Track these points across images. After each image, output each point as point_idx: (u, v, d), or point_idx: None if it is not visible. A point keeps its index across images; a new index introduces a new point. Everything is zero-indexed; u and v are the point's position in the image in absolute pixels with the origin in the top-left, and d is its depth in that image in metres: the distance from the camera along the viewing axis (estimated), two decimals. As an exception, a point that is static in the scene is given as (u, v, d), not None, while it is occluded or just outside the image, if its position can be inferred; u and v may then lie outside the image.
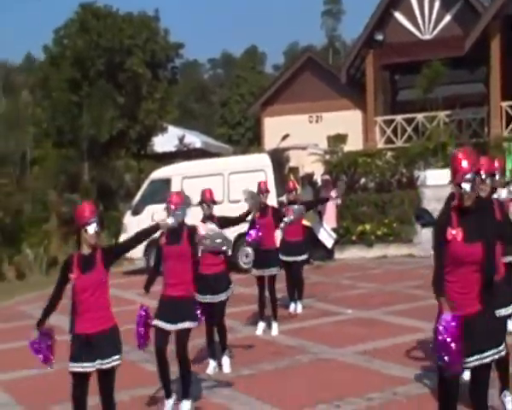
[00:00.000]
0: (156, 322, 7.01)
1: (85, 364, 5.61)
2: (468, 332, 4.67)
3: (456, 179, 4.76)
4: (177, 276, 7.03)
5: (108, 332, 5.68)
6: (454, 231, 4.73)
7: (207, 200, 8.71)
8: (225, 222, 8.69)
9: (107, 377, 5.68)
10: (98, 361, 5.59)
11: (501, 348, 4.79)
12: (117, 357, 5.66)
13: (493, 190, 6.63)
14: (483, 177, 6.76)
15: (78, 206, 6.03)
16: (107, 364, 5.60)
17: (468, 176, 4.71)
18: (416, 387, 7.50)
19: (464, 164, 4.75)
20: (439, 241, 4.86)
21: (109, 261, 5.79)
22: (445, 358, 4.60)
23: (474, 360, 4.73)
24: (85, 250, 5.74)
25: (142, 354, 9.22)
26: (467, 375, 5.82)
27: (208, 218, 8.62)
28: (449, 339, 4.58)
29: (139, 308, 6.95)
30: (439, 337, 4.62)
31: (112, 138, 26.71)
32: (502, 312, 5.85)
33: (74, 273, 5.68)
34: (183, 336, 7.01)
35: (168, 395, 7.09)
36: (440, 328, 4.63)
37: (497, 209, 6.63)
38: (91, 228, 5.67)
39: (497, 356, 4.77)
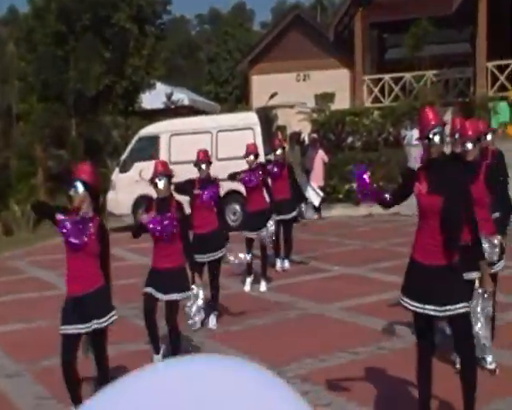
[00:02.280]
0: (146, 289, 7.06)
1: (80, 325, 5.63)
2: (426, 281, 4.89)
3: (424, 132, 4.92)
4: (166, 248, 7.02)
5: (99, 292, 5.70)
6: (420, 185, 4.96)
7: (201, 160, 8.74)
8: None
9: (99, 336, 5.73)
10: (95, 321, 5.61)
11: (458, 305, 4.85)
12: (114, 313, 5.73)
13: (482, 152, 6.70)
14: (456, 137, 6.90)
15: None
16: (103, 323, 5.65)
17: (436, 129, 4.87)
18: (401, 341, 7.65)
19: (432, 117, 4.94)
20: (401, 186, 5.31)
21: (101, 240, 5.71)
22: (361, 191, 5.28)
23: (429, 310, 4.90)
24: (83, 213, 5.68)
25: (131, 309, 9.39)
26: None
27: (206, 181, 8.68)
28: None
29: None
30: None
31: (99, 94, 26.52)
32: (472, 275, 5.90)
33: (65, 230, 5.65)
34: (173, 306, 7.05)
35: (157, 352, 7.20)
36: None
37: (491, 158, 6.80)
38: (73, 190, 5.64)
39: (454, 313, 4.87)
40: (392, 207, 5.37)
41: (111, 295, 5.87)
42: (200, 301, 7.16)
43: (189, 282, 7.13)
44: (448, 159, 5.26)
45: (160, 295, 7.00)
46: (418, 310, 4.96)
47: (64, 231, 5.59)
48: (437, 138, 4.87)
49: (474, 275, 6.09)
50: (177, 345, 7.20)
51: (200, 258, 8.41)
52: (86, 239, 5.57)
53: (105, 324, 5.67)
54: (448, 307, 4.86)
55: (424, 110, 5.08)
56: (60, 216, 5.63)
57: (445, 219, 4.83)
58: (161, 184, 7.02)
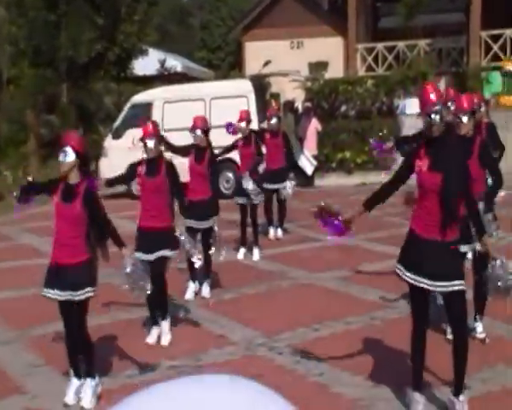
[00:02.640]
0: (137, 254, 7.04)
1: (57, 292, 5.62)
2: (423, 255, 4.93)
3: (425, 110, 4.92)
4: (154, 208, 7.01)
5: (83, 264, 5.64)
6: (421, 162, 4.96)
7: (197, 127, 8.67)
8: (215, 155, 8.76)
9: (77, 308, 5.66)
10: (69, 292, 5.58)
11: (455, 283, 4.89)
12: (90, 289, 5.62)
13: (476, 126, 6.69)
14: (449, 105, 6.88)
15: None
16: (79, 296, 5.58)
17: (437, 107, 4.87)
18: (393, 312, 7.71)
19: (432, 95, 4.92)
20: (402, 168, 5.26)
21: (88, 204, 5.64)
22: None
23: (422, 283, 4.94)
24: (72, 180, 5.67)
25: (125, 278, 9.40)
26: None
27: (201, 148, 8.64)
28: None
29: None
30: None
31: (90, 60, 26.31)
32: (465, 248, 5.98)
33: (55, 198, 5.68)
34: (160, 264, 7.02)
35: (155, 323, 7.22)
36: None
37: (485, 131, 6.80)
38: (61, 157, 5.63)
39: (448, 290, 4.90)
40: (397, 189, 5.36)
41: (95, 269, 5.77)
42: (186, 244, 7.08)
43: (178, 241, 7.11)
44: (448, 136, 5.23)
45: (148, 256, 6.98)
46: (412, 281, 4.99)
47: (55, 199, 5.63)
48: (437, 117, 4.87)
49: (466, 248, 6.16)
50: (165, 306, 7.21)
51: (191, 224, 8.42)
52: (73, 206, 5.57)
53: (78, 297, 5.58)
54: (444, 284, 4.89)
55: (425, 87, 5.06)
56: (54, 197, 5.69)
57: (446, 198, 4.86)
58: (151, 143, 7.01)
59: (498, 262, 5.14)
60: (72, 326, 5.74)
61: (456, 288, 4.89)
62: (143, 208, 7.14)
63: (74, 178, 5.66)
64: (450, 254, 4.95)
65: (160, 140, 7.21)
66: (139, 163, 7.20)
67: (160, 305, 7.18)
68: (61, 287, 5.60)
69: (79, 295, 5.59)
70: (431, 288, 4.95)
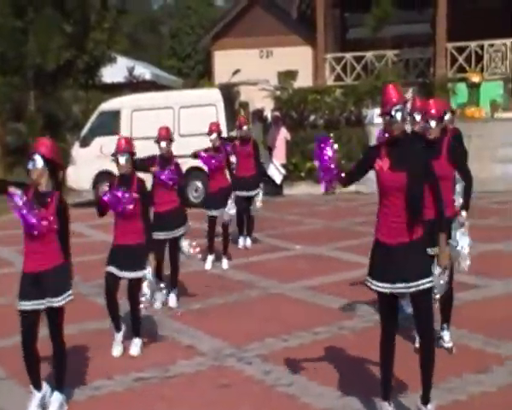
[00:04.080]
0: (108, 268, 6.99)
1: (36, 301, 5.50)
2: (393, 260, 4.92)
3: (385, 109, 4.93)
4: (127, 226, 6.95)
5: (57, 270, 5.57)
6: (381, 162, 4.95)
7: (163, 138, 8.66)
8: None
9: (55, 315, 5.59)
10: (48, 299, 5.49)
11: (425, 280, 4.92)
12: (70, 293, 5.57)
13: (443, 131, 6.76)
14: (415, 116, 6.96)
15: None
16: (59, 301, 5.50)
17: (398, 106, 4.89)
18: (362, 321, 7.73)
19: (394, 95, 4.95)
20: (361, 162, 5.24)
21: (59, 216, 5.56)
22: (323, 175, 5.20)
23: (398, 288, 4.94)
24: (42, 187, 5.56)
25: (92, 287, 9.34)
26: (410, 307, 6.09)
27: (166, 159, 8.61)
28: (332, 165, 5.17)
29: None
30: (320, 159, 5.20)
31: (59, 68, 26.06)
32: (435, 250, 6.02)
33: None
34: (135, 284, 6.98)
35: (118, 329, 7.17)
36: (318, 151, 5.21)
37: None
38: (31, 164, 5.50)
39: (420, 288, 4.91)
40: (349, 185, 5.36)
41: (70, 273, 5.72)
42: (149, 277, 7.02)
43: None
44: (409, 136, 5.29)
45: (123, 273, 6.94)
46: (387, 290, 4.98)
47: (17, 209, 5.44)
48: (399, 115, 4.88)
49: (434, 251, 6.22)
50: (138, 323, 7.18)
51: (159, 236, 8.39)
52: (43, 221, 5.44)
53: (59, 303, 5.51)
54: (415, 283, 4.91)
55: (387, 87, 5.08)
56: (12, 190, 5.49)
57: (409, 195, 4.87)
58: (123, 160, 6.96)
59: (437, 272, 5.19)
60: (33, 337, 5.59)
61: (426, 285, 4.93)
62: (116, 227, 7.07)
63: (45, 186, 5.57)
64: (418, 253, 4.98)
65: (133, 156, 7.13)
66: (111, 184, 7.10)
67: (134, 320, 7.14)
68: (39, 296, 5.49)
69: (60, 301, 5.50)
70: (405, 291, 4.95)
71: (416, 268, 4.93)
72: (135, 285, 7.00)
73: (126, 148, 7.01)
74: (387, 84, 5.32)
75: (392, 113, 4.88)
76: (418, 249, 4.98)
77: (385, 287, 4.98)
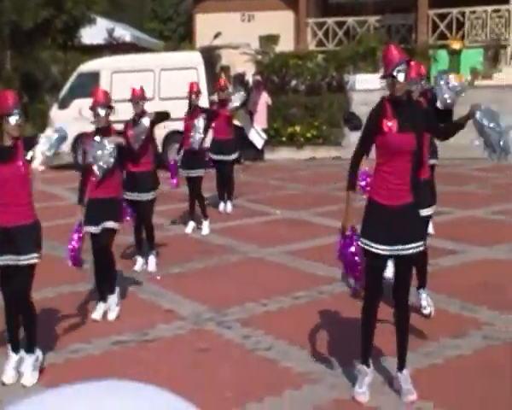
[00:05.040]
0: (86, 228, 6.91)
1: (6, 257, 5.44)
2: (396, 222, 4.89)
3: (388, 69, 4.87)
4: (104, 180, 6.85)
5: (28, 228, 5.49)
6: (390, 123, 4.86)
7: (137, 97, 8.58)
8: (157, 118, 8.55)
9: (22, 273, 5.49)
10: (14, 257, 5.43)
11: (420, 243, 4.98)
12: (35, 255, 5.48)
13: (421, 94, 6.76)
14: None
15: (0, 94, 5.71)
16: (23, 260, 5.43)
17: (401, 66, 4.83)
18: (341, 286, 7.71)
19: (397, 55, 4.89)
20: (369, 130, 5.02)
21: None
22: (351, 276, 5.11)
23: (396, 250, 4.93)
24: (6, 142, 5.50)
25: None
26: (389, 272, 6.09)
27: (139, 115, 8.52)
28: (356, 258, 5.01)
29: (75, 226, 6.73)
30: (345, 258, 5.08)
31: (36, 27, 25.66)
32: (423, 212, 6.05)
33: None
34: (106, 236, 6.90)
35: (103, 299, 7.11)
36: (342, 242, 5.11)
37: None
38: (13, 119, 5.42)
39: (416, 250, 4.95)
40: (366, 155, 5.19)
41: (40, 232, 5.64)
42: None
43: (123, 213, 7.11)
44: (410, 97, 5.26)
45: (94, 228, 6.87)
46: (387, 253, 4.95)
47: None
48: (401, 76, 4.83)
49: (430, 211, 6.27)
50: (112, 278, 7.12)
51: (131, 196, 8.35)
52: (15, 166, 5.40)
53: (22, 262, 5.44)
54: (412, 245, 4.93)
55: (389, 47, 5.00)
56: None
57: (416, 156, 4.87)
58: (103, 112, 6.88)
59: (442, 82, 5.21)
60: (12, 295, 5.57)
61: (421, 248, 4.98)
62: (91, 179, 6.99)
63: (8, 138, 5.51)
64: (416, 215, 5.03)
65: (111, 109, 7.06)
66: (88, 136, 7.03)
67: (108, 279, 7.08)
68: (5, 251, 5.44)
69: (23, 260, 5.44)
70: (405, 252, 4.92)
71: (414, 230, 4.97)
72: (107, 237, 6.90)
73: (105, 101, 6.96)
74: (389, 43, 5.26)
75: (394, 73, 4.83)
76: (416, 211, 5.03)
77: (385, 249, 4.93)
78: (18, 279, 5.50)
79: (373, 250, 4.95)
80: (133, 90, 8.68)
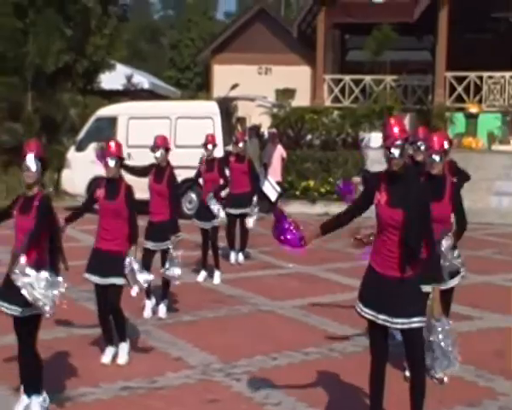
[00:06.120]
0: (87, 275, 6.91)
1: (12, 307, 5.42)
2: (383, 291, 4.87)
3: (386, 143, 4.87)
4: (111, 232, 6.84)
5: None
6: (380, 196, 4.89)
7: (159, 146, 8.62)
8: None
9: (26, 325, 5.46)
10: (20, 309, 5.37)
11: (413, 319, 4.85)
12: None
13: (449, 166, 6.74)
14: (419, 145, 7.00)
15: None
16: (24, 313, 5.37)
17: (398, 142, 4.82)
18: (352, 345, 7.67)
19: (395, 130, 4.87)
20: (363, 195, 5.16)
21: (44, 216, 5.49)
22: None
23: (382, 320, 4.89)
24: (28, 192, 5.55)
25: (82, 292, 9.23)
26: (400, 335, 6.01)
27: (162, 167, 8.58)
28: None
29: None
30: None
31: (58, 71, 26.02)
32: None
33: (15, 212, 5.54)
34: (115, 291, 6.85)
35: (110, 343, 7.06)
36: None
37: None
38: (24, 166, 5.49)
39: (406, 327, 4.86)
40: (350, 222, 5.26)
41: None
42: (135, 265, 6.86)
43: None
44: (409, 170, 5.18)
45: (99, 279, 6.84)
46: (371, 318, 4.94)
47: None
48: (397, 152, 4.80)
49: (429, 288, 6.15)
50: (122, 328, 7.05)
51: (149, 245, 8.36)
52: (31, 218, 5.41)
53: (24, 314, 5.38)
54: (401, 320, 4.85)
55: (389, 121, 5.00)
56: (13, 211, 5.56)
57: (406, 234, 4.78)
58: (112, 163, 6.90)
59: (439, 327, 5.05)
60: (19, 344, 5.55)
61: (414, 325, 4.85)
62: (100, 230, 6.96)
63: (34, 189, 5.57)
64: (410, 290, 4.88)
65: (122, 162, 7.08)
66: (97, 186, 7.06)
67: (117, 327, 7.04)
68: (9, 301, 5.42)
69: (25, 312, 5.39)
70: (390, 325, 4.91)
71: (404, 306, 4.85)
72: (115, 292, 6.85)
73: (116, 152, 6.98)
74: (389, 116, 5.28)
75: (392, 149, 4.82)
76: (410, 286, 4.89)
77: (370, 314, 4.94)
78: (22, 330, 5.49)
79: (357, 310, 5.02)
80: (156, 138, 8.72)
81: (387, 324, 4.90)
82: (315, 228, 5.37)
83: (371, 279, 4.99)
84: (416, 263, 4.90)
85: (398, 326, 4.90)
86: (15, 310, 5.42)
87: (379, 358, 5.05)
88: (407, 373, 6.03)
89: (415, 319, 4.85)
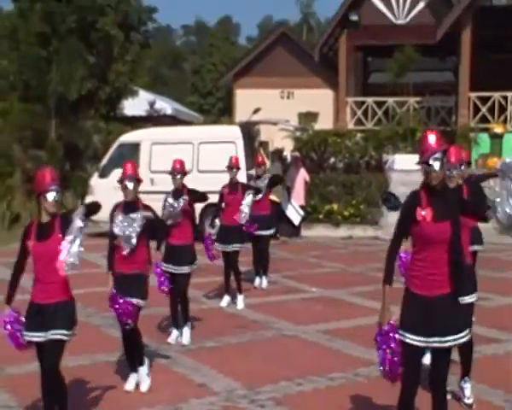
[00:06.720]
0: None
1: (36, 333, 5.44)
2: (431, 314, 4.74)
3: (424, 157, 4.79)
4: (131, 253, 6.81)
5: (61, 305, 5.45)
6: (424, 211, 4.75)
7: (177, 171, 8.58)
8: (195, 197, 8.60)
9: (52, 349, 5.43)
10: (43, 334, 5.40)
11: (462, 334, 4.82)
12: (65, 332, 5.42)
13: (465, 180, 6.67)
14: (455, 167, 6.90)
15: (38, 171, 5.71)
16: (52, 335, 5.37)
17: (437, 154, 4.74)
18: (377, 369, 7.53)
19: (433, 142, 4.80)
20: (404, 219, 4.88)
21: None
22: (384, 368, 4.85)
23: (433, 342, 4.78)
24: (44, 218, 5.53)
25: (105, 318, 9.20)
26: (427, 359, 5.88)
27: (178, 190, 8.54)
28: (388, 352, 4.78)
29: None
30: (381, 349, 4.84)
31: (81, 98, 26.27)
32: (466, 299, 5.90)
33: (31, 241, 5.50)
34: (131, 310, 6.70)
35: (133, 370, 7.00)
36: (379, 339, 4.86)
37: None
38: (51, 196, 5.45)
39: (457, 342, 4.80)
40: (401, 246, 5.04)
41: (74, 310, 5.59)
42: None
43: (147, 289, 6.93)
44: (446, 185, 5.12)
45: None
46: (422, 345, 4.80)
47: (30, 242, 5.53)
48: (437, 165, 4.73)
49: (471, 299, 6.07)
50: (141, 352, 6.98)
51: (168, 268, 8.32)
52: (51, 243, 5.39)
53: (53, 337, 5.38)
54: (453, 337, 4.78)
55: (426, 133, 4.92)
56: (28, 242, 5.55)
57: (454, 247, 4.73)
58: (131, 185, 6.87)
59: None
60: (43, 371, 5.52)
61: (464, 339, 4.84)
62: (119, 252, 6.92)
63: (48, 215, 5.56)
64: (455, 304, 4.84)
65: (139, 183, 7.05)
66: (114, 209, 7.04)
67: (136, 351, 6.97)
68: (39, 328, 5.42)
69: (52, 336, 5.38)
70: (439, 345, 4.78)
71: (454, 321, 4.79)
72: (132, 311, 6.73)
73: (134, 173, 6.95)
74: (427, 130, 5.17)
75: (430, 162, 4.74)
76: (455, 302, 4.83)
77: (421, 341, 4.78)
78: (47, 355, 5.46)
79: (407, 341, 4.80)
80: (174, 163, 8.68)
81: (436, 344, 4.79)
82: (384, 299, 4.95)
83: (414, 304, 4.82)
84: (459, 276, 4.82)
85: (449, 344, 4.79)
86: (38, 336, 5.42)
87: (412, 383, 4.87)
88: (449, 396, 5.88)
89: (463, 334, 4.83)
